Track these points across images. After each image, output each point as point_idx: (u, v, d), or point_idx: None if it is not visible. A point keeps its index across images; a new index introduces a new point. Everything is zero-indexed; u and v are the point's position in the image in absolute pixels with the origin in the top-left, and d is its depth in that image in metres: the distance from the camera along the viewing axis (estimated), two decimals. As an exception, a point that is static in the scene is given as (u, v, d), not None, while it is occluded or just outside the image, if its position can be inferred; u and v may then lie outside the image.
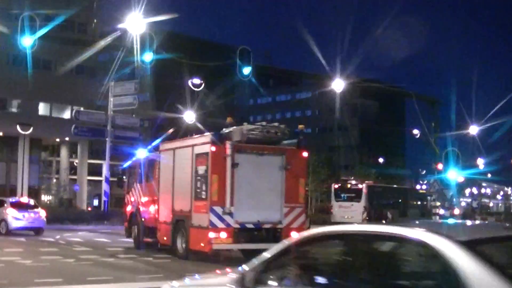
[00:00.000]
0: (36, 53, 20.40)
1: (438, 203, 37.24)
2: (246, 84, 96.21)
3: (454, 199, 39.54)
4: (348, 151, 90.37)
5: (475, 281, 3.40)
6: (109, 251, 18.51)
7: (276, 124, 16.93)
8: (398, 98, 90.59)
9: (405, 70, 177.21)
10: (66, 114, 53.82)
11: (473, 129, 46.89)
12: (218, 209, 15.33)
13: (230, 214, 15.34)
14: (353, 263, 4.15)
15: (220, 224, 15.30)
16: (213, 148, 15.44)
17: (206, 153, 15.52)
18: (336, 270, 4.25)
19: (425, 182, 67.31)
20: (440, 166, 37.95)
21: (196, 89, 46.87)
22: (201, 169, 15.72)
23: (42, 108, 54.06)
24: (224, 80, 70.39)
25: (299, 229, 15.30)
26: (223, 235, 15.27)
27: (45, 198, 53.62)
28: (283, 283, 4.39)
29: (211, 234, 15.20)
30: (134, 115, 39.41)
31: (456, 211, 41.15)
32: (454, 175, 35.66)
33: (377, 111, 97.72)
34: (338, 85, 30.47)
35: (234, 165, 15.44)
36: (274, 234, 15.83)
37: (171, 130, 20.93)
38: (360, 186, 39.65)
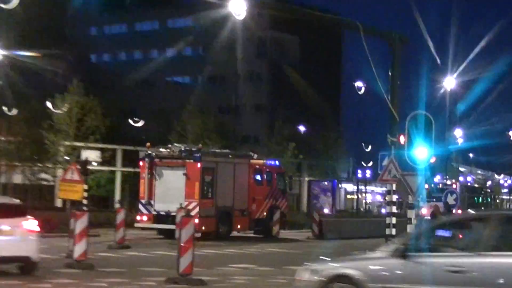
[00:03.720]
0: None
1: (394, 199, 36.91)
2: (86, 3, 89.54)
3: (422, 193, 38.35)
4: (252, 114, 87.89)
5: None
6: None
7: (180, 145, 40.66)
8: (332, 32, 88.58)
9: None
10: None
11: (449, 82, 48.24)
12: (142, 201, 38.94)
13: (151, 204, 38.44)
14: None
15: (145, 211, 38.82)
16: (141, 163, 39.38)
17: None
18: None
19: (370, 164, 65.24)
20: (402, 139, 37.33)
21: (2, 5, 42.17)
22: None
23: None
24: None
25: (194, 216, 32.38)
26: (145, 218, 38.77)
27: None
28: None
29: (137, 217, 39.13)
30: None
31: (424, 211, 43.34)
32: (424, 153, 34.01)
33: (299, 51, 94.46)
34: (237, 7, 29.79)
35: (150, 173, 38.60)
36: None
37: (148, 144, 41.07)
38: None
